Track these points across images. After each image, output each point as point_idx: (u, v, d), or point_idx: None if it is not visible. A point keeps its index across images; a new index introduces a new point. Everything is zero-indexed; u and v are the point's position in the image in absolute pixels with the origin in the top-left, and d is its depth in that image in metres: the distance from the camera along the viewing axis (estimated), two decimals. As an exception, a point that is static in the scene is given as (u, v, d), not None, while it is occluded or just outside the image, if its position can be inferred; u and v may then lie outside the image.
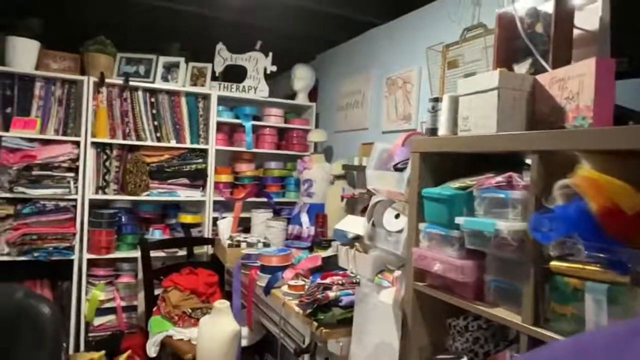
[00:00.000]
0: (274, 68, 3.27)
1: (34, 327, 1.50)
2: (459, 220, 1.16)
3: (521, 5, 1.29)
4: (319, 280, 1.86)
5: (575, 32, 1.16)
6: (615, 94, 0.98)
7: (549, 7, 1.19)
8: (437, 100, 1.39)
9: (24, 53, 2.71)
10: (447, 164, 1.33)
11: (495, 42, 1.31)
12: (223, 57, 3.23)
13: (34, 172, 2.69)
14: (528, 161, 1.03)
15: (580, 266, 0.93)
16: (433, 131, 1.38)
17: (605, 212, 0.86)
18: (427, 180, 1.35)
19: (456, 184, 1.24)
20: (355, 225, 2.01)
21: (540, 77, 1.11)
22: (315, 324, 1.68)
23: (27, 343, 1.47)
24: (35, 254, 2.69)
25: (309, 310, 1.75)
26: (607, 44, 1.05)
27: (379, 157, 1.68)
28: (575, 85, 0.99)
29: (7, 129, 2.68)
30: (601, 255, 0.90)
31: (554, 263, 0.97)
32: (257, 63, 3.27)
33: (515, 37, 1.26)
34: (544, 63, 1.13)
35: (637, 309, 0.85)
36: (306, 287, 1.94)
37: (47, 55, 2.81)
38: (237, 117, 3.25)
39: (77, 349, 2.81)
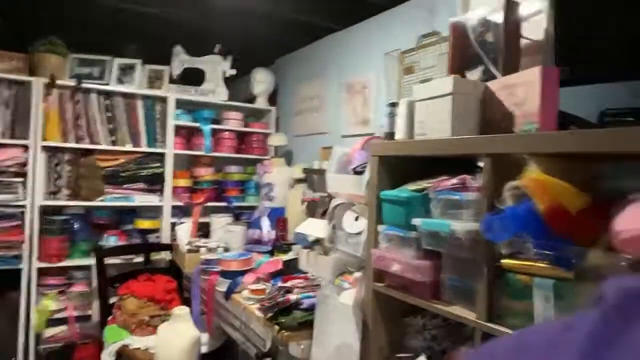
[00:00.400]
0: (233, 72, 3.25)
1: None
2: (415, 221, 1.20)
3: (473, 15, 1.34)
4: (279, 284, 1.86)
5: (523, 41, 1.22)
6: (560, 101, 1.04)
7: (498, 18, 1.25)
8: (394, 105, 1.43)
9: (-32, 52, 2.58)
10: (404, 167, 1.37)
11: (450, 49, 1.36)
12: (181, 59, 3.18)
13: (-21, 178, 2.56)
14: (481, 164, 1.08)
15: (530, 263, 0.98)
16: (391, 135, 1.42)
17: (552, 212, 0.91)
18: (385, 183, 1.38)
19: (413, 186, 1.27)
20: (315, 228, 2.03)
21: (491, 84, 1.17)
22: (277, 327, 1.68)
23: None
24: (-19, 264, 2.55)
25: (270, 314, 1.75)
26: (551, 54, 1.12)
27: (338, 161, 1.70)
28: (522, 91, 1.05)
29: (-53, 132, 2.54)
30: (548, 252, 0.95)
31: (505, 261, 1.01)
32: (216, 66, 3.24)
33: (468, 45, 1.31)
34: (494, 70, 1.19)
35: (580, 303, 0.90)
36: (267, 291, 1.94)
37: (-7, 55, 2.68)
38: (195, 121, 3.21)
39: (26, 362, 2.68)
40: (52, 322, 2.79)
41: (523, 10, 1.24)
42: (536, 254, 0.96)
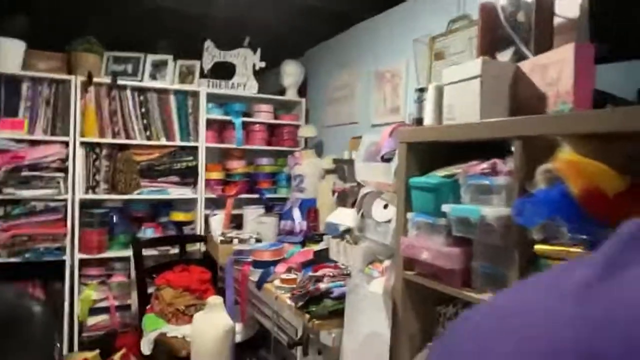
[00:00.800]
0: (263, 64, 3.27)
1: (26, 328, 1.49)
2: (445, 208, 1.17)
3: (504, -5, 1.30)
4: (310, 273, 1.87)
5: (556, 19, 1.17)
6: (596, 79, 0.99)
7: (530, -4, 1.20)
8: (422, 90, 1.40)
9: (10, 53, 2.69)
10: (433, 154, 1.34)
11: (479, 31, 1.32)
12: (211, 54, 3.22)
13: (23, 173, 2.68)
14: (512, 147, 1.04)
15: (564, 249, 0.94)
16: (419, 121, 1.39)
17: (587, 195, 0.88)
18: (414, 170, 1.36)
19: (442, 172, 1.25)
20: (345, 217, 2.02)
21: (522, 64, 1.13)
22: (308, 316, 1.69)
23: (20, 344, 1.46)
24: (27, 255, 2.68)
25: (301, 303, 1.76)
26: (586, 31, 1.07)
27: (367, 149, 1.69)
28: (555, 71, 1.01)
29: (-6, 130, 2.66)
30: (584, 237, 0.91)
31: (538, 246, 0.98)
32: (246, 59, 3.27)
33: (498, 27, 1.27)
34: (525, 50, 1.15)
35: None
36: (298, 280, 1.95)
37: (33, 55, 2.79)
38: (226, 114, 3.25)
39: (70, 349, 2.80)
40: (94, 311, 2.90)
41: (556, -13, 1.19)
42: (570, 238, 0.92)
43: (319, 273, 1.83)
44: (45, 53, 2.83)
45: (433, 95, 1.29)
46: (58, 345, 2.75)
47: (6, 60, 2.68)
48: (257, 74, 3.32)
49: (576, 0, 1.12)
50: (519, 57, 1.18)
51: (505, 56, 1.22)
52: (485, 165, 1.13)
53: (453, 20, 2.10)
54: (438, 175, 1.26)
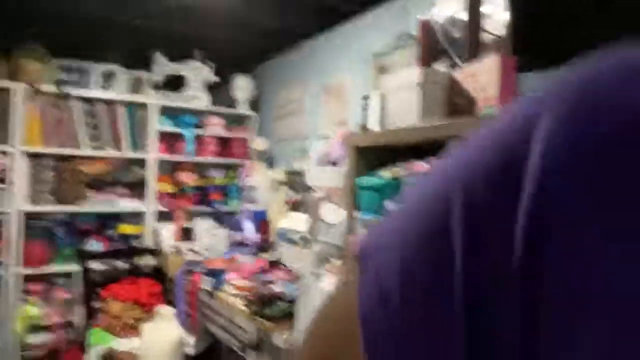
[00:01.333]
0: (215, 78, 3.31)
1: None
2: (388, 205, 1.26)
3: (440, 13, 1.44)
4: (263, 278, 1.91)
5: (486, 36, 1.31)
6: (520, 85, 1.13)
7: (463, 15, 1.34)
8: (367, 98, 1.50)
9: (-52, 60, 2.59)
10: (379, 156, 1.44)
11: (418, 44, 1.44)
12: (162, 65, 3.23)
13: (-41, 184, 2.56)
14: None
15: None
16: (365, 127, 1.49)
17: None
18: (361, 172, 1.45)
19: (387, 173, 1.35)
20: (297, 222, 2.08)
21: (457, 73, 1.25)
22: (261, 319, 1.73)
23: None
24: (-39, 271, 2.54)
25: (254, 307, 1.79)
26: (510, 45, 1.21)
27: (318, 155, 1.77)
28: (484, 79, 1.13)
29: None
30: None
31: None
32: (197, 72, 3.30)
33: (435, 41, 1.40)
34: (458, 62, 1.27)
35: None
36: (251, 286, 1.98)
37: (-28, 62, 2.70)
38: (178, 126, 3.25)
39: (9, 369, 2.66)
40: (36, 329, 2.78)
41: (486, 8, 1.33)
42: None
43: (272, 277, 1.88)
44: (-16, 59, 2.74)
45: (377, 102, 1.39)
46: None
47: (-57, 66, 2.58)
48: (209, 87, 3.35)
49: (502, 20, 1.27)
50: (454, 67, 1.31)
51: (441, 66, 1.35)
52: (426, 165, 1.24)
53: (398, 37, 2.25)
54: (383, 176, 1.35)
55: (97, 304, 2.66)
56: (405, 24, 2.22)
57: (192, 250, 2.68)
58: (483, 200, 0.20)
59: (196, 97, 3.30)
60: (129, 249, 3.03)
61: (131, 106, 3.10)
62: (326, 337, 0.27)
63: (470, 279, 0.20)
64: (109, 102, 3.03)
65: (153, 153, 3.12)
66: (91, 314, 2.63)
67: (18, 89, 2.73)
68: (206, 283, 2.25)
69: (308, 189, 2.20)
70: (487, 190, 0.20)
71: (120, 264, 2.97)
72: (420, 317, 0.21)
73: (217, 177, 3.40)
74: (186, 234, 3.13)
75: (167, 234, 2.91)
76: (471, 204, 0.20)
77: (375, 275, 0.24)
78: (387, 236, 0.25)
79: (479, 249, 0.20)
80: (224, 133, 3.43)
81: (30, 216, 2.80)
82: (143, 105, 3.13)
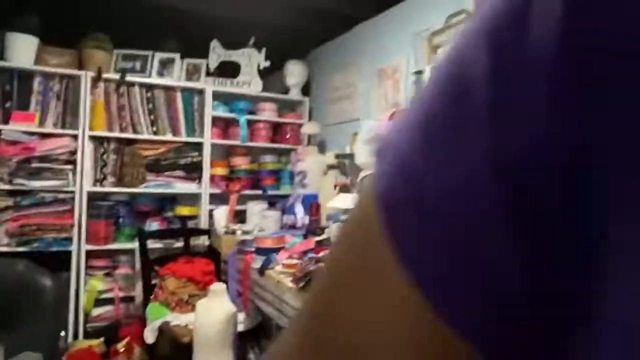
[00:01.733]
0: (267, 64, 3.35)
1: (35, 299, 1.55)
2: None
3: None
4: (311, 255, 1.92)
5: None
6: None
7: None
8: (420, 72, 1.47)
9: (23, 49, 2.78)
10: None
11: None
12: (217, 53, 3.31)
13: (33, 165, 2.75)
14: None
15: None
16: (416, 100, 1.45)
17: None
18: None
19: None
20: (346, 201, 2.08)
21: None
22: (308, 295, 1.74)
23: (31, 313, 1.52)
24: (35, 245, 2.74)
25: (302, 284, 1.81)
26: None
27: (367, 133, 1.75)
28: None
29: (6, 123, 2.74)
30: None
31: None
32: (251, 59, 3.35)
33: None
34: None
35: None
36: (299, 264, 2.00)
37: (46, 52, 2.88)
38: (231, 112, 3.33)
39: (75, 337, 2.84)
40: (99, 302, 2.95)
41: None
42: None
43: (320, 254, 1.88)
44: (57, 49, 2.92)
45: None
46: (63, 333, 2.80)
47: (19, 55, 2.77)
48: (262, 73, 3.40)
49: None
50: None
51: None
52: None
53: (451, 15, 2.18)
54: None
55: (155, 281, 2.79)
56: (459, 1, 2.15)
57: (244, 231, 2.74)
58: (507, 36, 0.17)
59: (250, 83, 3.36)
60: (184, 230, 3.14)
61: (187, 92, 3.20)
62: (346, 248, 0.23)
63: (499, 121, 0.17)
64: (167, 89, 3.15)
65: (208, 138, 3.21)
66: (149, 289, 2.76)
67: (85, 77, 2.89)
68: (257, 262, 2.29)
69: (358, 171, 2.19)
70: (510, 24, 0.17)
71: (177, 244, 3.09)
72: (450, 177, 0.18)
73: (270, 162, 3.45)
74: (239, 217, 3.20)
75: (221, 216, 2.98)
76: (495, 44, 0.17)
77: (393, 153, 0.20)
78: (405, 119, 0.21)
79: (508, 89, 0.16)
80: (276, 118, 3.47)
81: (94, 197, 2.97)
82: (199, 91, 3.23)
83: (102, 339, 2.73)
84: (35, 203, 2.77)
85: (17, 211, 2.74)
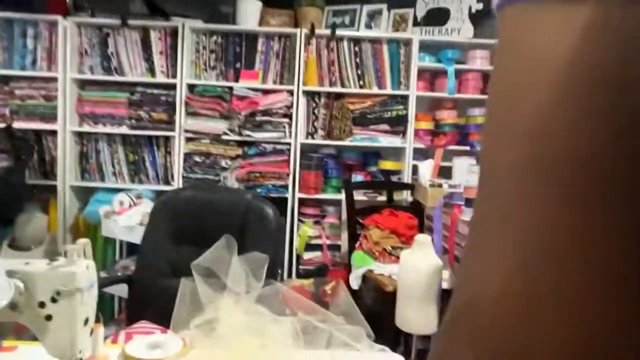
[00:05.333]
0: (480, 6, 3.05)
1: (260, 223, 1.69)
2: None
3: None
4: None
5: None
6: None
7: None
8: None
9: (249, 13, 3.07)
10: None
11: None
12: (425, 1, 3.14)
13: (257, 118, 3.05)
14: None
15: None
16: None
17: None
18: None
19: None
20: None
21: None
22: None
23: (254, 234, 1.66)
24: (258, 190, 3.06)
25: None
26: None
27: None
28: None
29: (237, 81, 3.09)
30: None
31: None
32: (461, 2, 3.09)
33: None
34: None
35: None
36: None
37: (267, 13, 3.13)
38: (439, 62, 3.14)
39: (289, 276, 3.11)
40: (309, 247, 3.16)
41: None
42: None
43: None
44: (276, 11, 3.14)
45: None
46: (280, 271, 3.10)
47: (246, 19, 3.07)
48: (474, 18, 3.11)
49: None
50: None
51: None
52: None
53: None
54: None
55: (359, 230, 2.85)
56: None
57: (450, 183, 2.58)
58: None
59: (459, 29, 3.11)
60: (388, 183, 3.14)
61: (394, 43, 3.13)
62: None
63: None
64: (374, 41, 3.13)
65: (414, 90, 3.10)
66: (354, 238, 2.83)
67: (300, 35, 3.05)
68: (466, 214, 2.12)
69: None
70: None
71: (380, 197, 3.11)
72: None
73: (479, 115, 3.17)
74: (444, 174, 3.04)
75: (426, 169, 2.87)
76: None
77: None
78: None
79: None
80: (488, 67, 3.16)
81: (306, 149, 3.16)
82: (406, 42, 3.13)
83: (312, 280, 2.92)
84: (259, 153, 3.08)
85: (245, 159, 3.08)
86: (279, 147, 3.09)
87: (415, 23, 3.16)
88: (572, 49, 0.20)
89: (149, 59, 3.08)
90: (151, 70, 3.09)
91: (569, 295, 0.19)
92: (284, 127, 3.08)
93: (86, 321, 0.87)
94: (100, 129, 3.09)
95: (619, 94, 0.19)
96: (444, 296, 2.39)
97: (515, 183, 0.21)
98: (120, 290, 2.40)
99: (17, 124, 2.97)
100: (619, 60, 0.19)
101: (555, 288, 0.20)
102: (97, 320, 0.96)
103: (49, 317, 0.83)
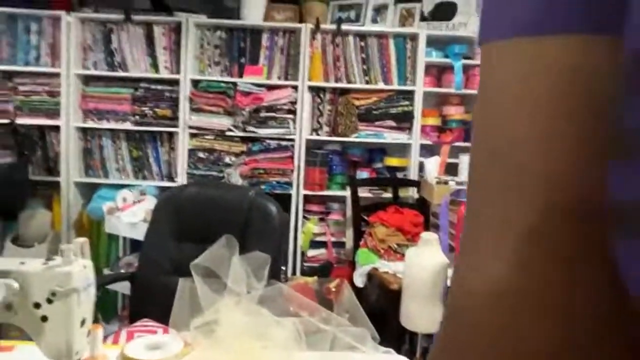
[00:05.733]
0: None
1: (263, 220, 1.66)
2: None
3: None
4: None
5: None
6: None
7: None
8: None
9: (254, 7, 3.04)
10: None
11: None
12: (432, -5, 3.10)
13: (262, 114, 3.02)
14: None
15: None
16: None
17: None
18: None
19: None
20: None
21: None
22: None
23: (258, 232, 1.64)
24: (262, 186, 3.03)
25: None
26: None
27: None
28: None
29: (241, 76, 3.06)
30: None
31: None
32: (470, -3, 3.04)
33: None
34: None
35: None
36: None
37: (272, 8, 3.10)
38: (446, 57, 3.10)
39: (294, 274, 3.09)
40: (313, 244, 3.14)
41: None
42: None
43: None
44: (281, 6, 3.11)
45: None
46: (283, 268, 3.08)
47: (251, 13, 3.04)
48: (481, 12, 3.06)
49: None
50: None
51: None
52: None
53: None
54: None
55: (364, 228, 2.82)
56: None
57: (456, 180, 2.55)
58: None
59: (467, 24, 3.06)
60: (394, 180, 3.10)
61: (400, 38, 3.09)
62: None
63: None
64: (380, 36, 3.09)
65: (420, 85, 3.06)
66: (359, 235, 2.80)
67: (305, 30, 3.01)
68: (473, 212, 2.08)
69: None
70: None
71: (385, 194, 3.08)
72: None
73: (486, 112, 3.13)
74: (450, 171, 3.01)
75: (432, 165, 2.83)
76: None
77: None
78: None
79: None
80: (496, 63, 3.11)
81: (310, 145, 3.13)
82: (412, 37, 3.08)
83: (315, 277, 2.90)
84: (263, 149, 3.05)
85: (249, 156, 3.06)
86: (283, 143, 3.07)
87: (422, 18, 3.12)
88: (531, 80, 0.23)
89: (152, 54, 3.06)
90: (155, 66, 3.06)
91: (554, 297, 0.22)
92: (289, 123, 3.05)
93: (83, 322, 0.85)
94: (104, 124, 3.07)
95: (584, 122, 0.21)
96: (450, 294, 2.36)
97: (507, 195, 0.23)
98: (124, 286, 2.39)
99: (21, 120, 2.96)
100: (581, 94, 0.21)
101: (543, 290, 0.22)
102: (95, 321, 0.94)
103: (44, 318, 0.81)
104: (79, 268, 0.83)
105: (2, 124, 2.93)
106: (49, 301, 0.81)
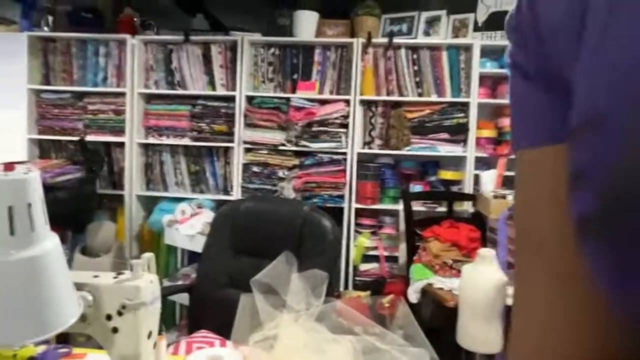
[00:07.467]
0: (547, 8, 2.90)
1: (317, 235, 1.67)
2: None
3: None
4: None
5: None
6: None
7: None
8: None
9: (306, 24, 3.10)
10: None
11: None
12: (486, 4, 3.04)
13: (314, 128, 3.05)
14: None
15: None
16: None
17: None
18: None
19: None
20: None
21: None
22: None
23: (312, 247, 1.65)
24: (314, 200, 3.05)
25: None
26: None
27: None
28: None
29: (294, 92, 3.11)
30: None
31: None
32: (526, 5, 2.95)
33: None
34: None
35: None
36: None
37: (323, 24, 3.14)
38: (501, 68, 3.02)
39: (346, 288, 3.08)
40: (366, 258, 3.12)
41: None
42: None
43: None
44: (332, 21, 3.15)
45: None
46: (335, 282, 3.07)
47: (303, 30, 3.10)
48: (539, 20, 2.96)
49: None
50: None
51: None
52: None
53: None
54: None
55: (418, 242, 2.77)
56: None
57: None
58: None
59: (524, 33, 2.97)
60: (449, 193, 3.04)
61: (454, 50, 3.04)
62: None
63: None
64: (432, 48, 3.06)
65: (475, 97, 2.99)
66: (413, 250, 2.76)
67: (357, 44, 3.03)
68: (534, 228, 2.00)
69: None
70: None
71: (439, 208, 3.01)
72: None
73: (545, 123, 3.01)
74: (508, 183, 2.91)
75: (489, 179, 2.75)
76: None
77: None
78: None
79: None
80: (555, 72, 2.99)
81: (363, 158, 3.12)
82: (466, 48, 3.03)
83: (368, 292, 2.87)
84: (315, 163, 3.08)
85: (302, 169, 3.10)
86: (335, 157, 3.08)
87: (476, 28, 3.06)
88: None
89: (209, 72, 3.18)
90: (212, 84, 3.18)
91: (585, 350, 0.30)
92: (340, 137, 3.07)
93: (150, 334, 0.88)
94: (164, 140, 3.21)
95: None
96: (509, 313, 2.27)
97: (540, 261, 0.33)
98: (182, 297, 2.47)
99: (90, 137, 3.15)
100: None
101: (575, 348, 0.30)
102: (159, 333, 0.98)
103: (115, 330, 0.85)
104: (146, 282, 0.87)
105: (73, 141, 3.13)
106: (120, 313, 0.85)
